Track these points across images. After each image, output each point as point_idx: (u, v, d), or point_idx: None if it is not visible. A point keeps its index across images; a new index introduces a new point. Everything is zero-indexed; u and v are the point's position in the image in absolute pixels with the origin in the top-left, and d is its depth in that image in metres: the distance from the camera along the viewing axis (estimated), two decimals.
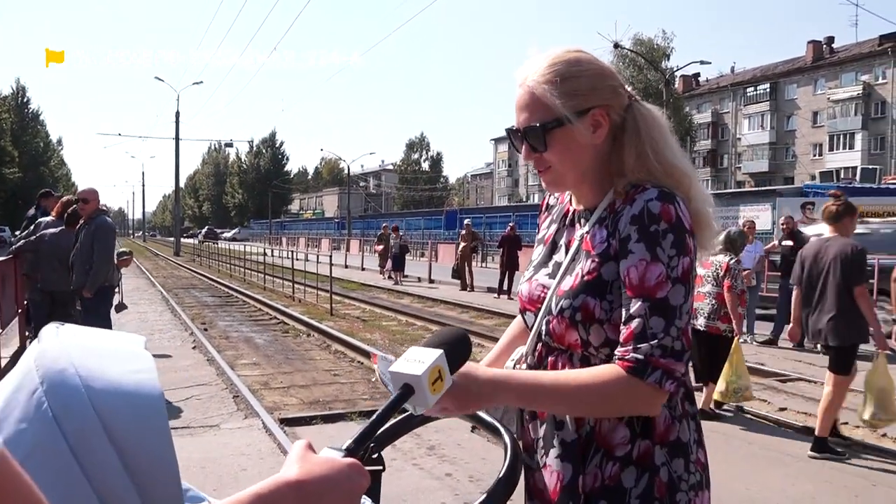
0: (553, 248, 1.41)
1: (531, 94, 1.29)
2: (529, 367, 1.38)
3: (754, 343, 9.65)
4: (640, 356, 1.17)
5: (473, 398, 1.17)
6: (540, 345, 1.37)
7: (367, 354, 8.55)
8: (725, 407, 6.07)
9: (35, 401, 0.78)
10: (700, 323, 5.87)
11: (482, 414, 1.30)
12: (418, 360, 1.08)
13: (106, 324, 6.69)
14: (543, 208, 1.53)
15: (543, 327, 1.33)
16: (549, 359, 1.34)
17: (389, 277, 21.10)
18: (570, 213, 1.41)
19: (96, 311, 6.54)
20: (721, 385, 5.61)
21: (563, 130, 1.27)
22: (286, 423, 5.59)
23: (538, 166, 1.33)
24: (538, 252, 1.45)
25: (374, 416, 1.05)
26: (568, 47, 1.33)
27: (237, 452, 4.82)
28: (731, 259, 5.88)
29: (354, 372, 7.91)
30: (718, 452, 4.92)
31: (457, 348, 1.16)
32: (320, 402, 6.53)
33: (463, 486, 4.19)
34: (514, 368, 1.41)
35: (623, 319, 1.21)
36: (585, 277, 1.27)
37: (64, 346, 0.84)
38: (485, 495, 1.10)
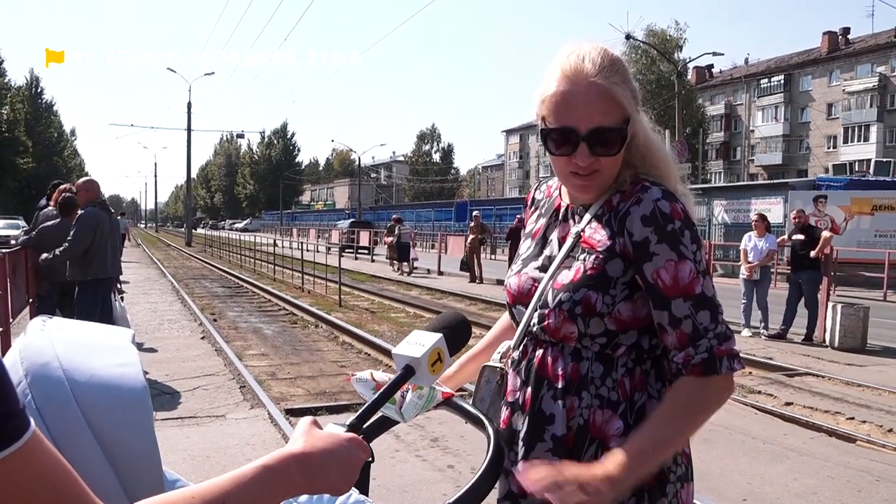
0: (544, 242, 1.41)
1: (605, 91, 1.22)
2: (514, 361, 1.39)
3: (763, 337, 9.61)
4: (705, 355, 1.21)
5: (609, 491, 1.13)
6: (527, 338, 1.37)
7: (374, 346, 8.60)
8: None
9: (19, 392, 0.81)
10: None
11: (467, 406, 1.32)
12: (419, 343, 1.14)
13: (90, 317, 6.54)
14: (529, 203, 1.54)
15: (535, 320, 1.33)
16: (538, 352, 1.34)
17: (397, 269, 21.19)
18: (563, 209, 1.41)
19: (79, 304, 6.45)
20: None
21: (629, 131, 1.27)
22: (292, 413, 5.64)
23: (587, 170, 1.26)
24: (526, 246, 1.46)
25: (376, 395, 1.13)
26: (599, 44, 1.30)
27: (242, 443, 4.87)
28: None
29: (362, 364, 7.95)
30: (721, 446, 4.92)
31: (456, 331, 1.24)
32: (326, 393, 6.58)
33: (464, 479, 4.20)
34: (500, 361, 1.41)
35: (666, 322, 1.23)
36: (588, 272, 1.27)
37: (49, 339, 0.87)
38: (466, 488, 1.12)
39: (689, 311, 1.21)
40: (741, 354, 1.27)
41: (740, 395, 6.55)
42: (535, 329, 1.34)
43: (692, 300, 1.21)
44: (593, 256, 1.28)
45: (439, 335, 1.16)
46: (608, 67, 1.24)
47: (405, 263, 20.73)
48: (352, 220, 43.07)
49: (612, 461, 1.15)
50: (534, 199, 1.52)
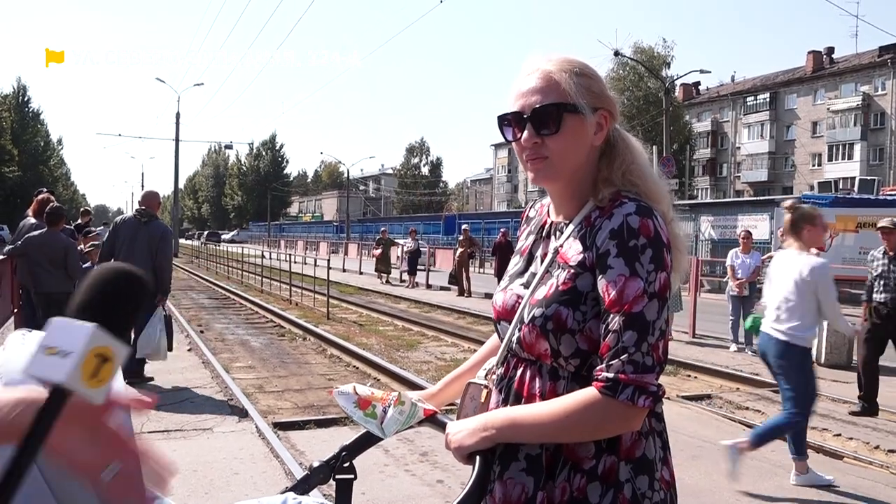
0: (530, 259, 1.42)
1: (548, 77, 1.29)
2: (498, 378, 1.38)
3: (750, 353, 9.64)
4: (610, 375, 1.18)
5: (458, 443, 1.27)
6: (509, 355, 1.37)
7: (362, 359, 8.55)
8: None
9: None
10: None
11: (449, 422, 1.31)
12: (59, 351, 0.71)
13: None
14: (523, 220, 1.55)
15: (515, 336, 1.33)
16: (518, 370, 1.34)
17: (402, 280, 21.17)
18: (547, 225, 1.41)
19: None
20: None
21: (576, 118, 1.28)
22: (279, 427, 5.58)
23: (534, 153, 1.29)
24: (514, 262, 1.47)
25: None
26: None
27: (230, 456, 4.81)
28: None
29: (350, 377, 7.89)
30: (709, 461, 4.91)
31: (118, 306, 0.76)
32: (314, 406, 6.53)
33: (454, 493, 4.18)
34: (485, 378, 1.41)
35: (601, 333, 1.22)
36: (560, 287, 1.27)
37: (29, 353, 0.84)
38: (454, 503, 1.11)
39: (619, 326, 1.19)
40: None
41: (727, 411, 6.56)
42: (515, 346, 1.34)
43: (626, 317, 1.18)
44: (565, 272, 1.27)
45: (90, 328, 0.71)
46: (563, 62, 1.31)
47: (413, 277, 20.76)
48: (208, 231, 75.19)
49: (478, 423, 1.26)
50: (527, 216, 1.54)
